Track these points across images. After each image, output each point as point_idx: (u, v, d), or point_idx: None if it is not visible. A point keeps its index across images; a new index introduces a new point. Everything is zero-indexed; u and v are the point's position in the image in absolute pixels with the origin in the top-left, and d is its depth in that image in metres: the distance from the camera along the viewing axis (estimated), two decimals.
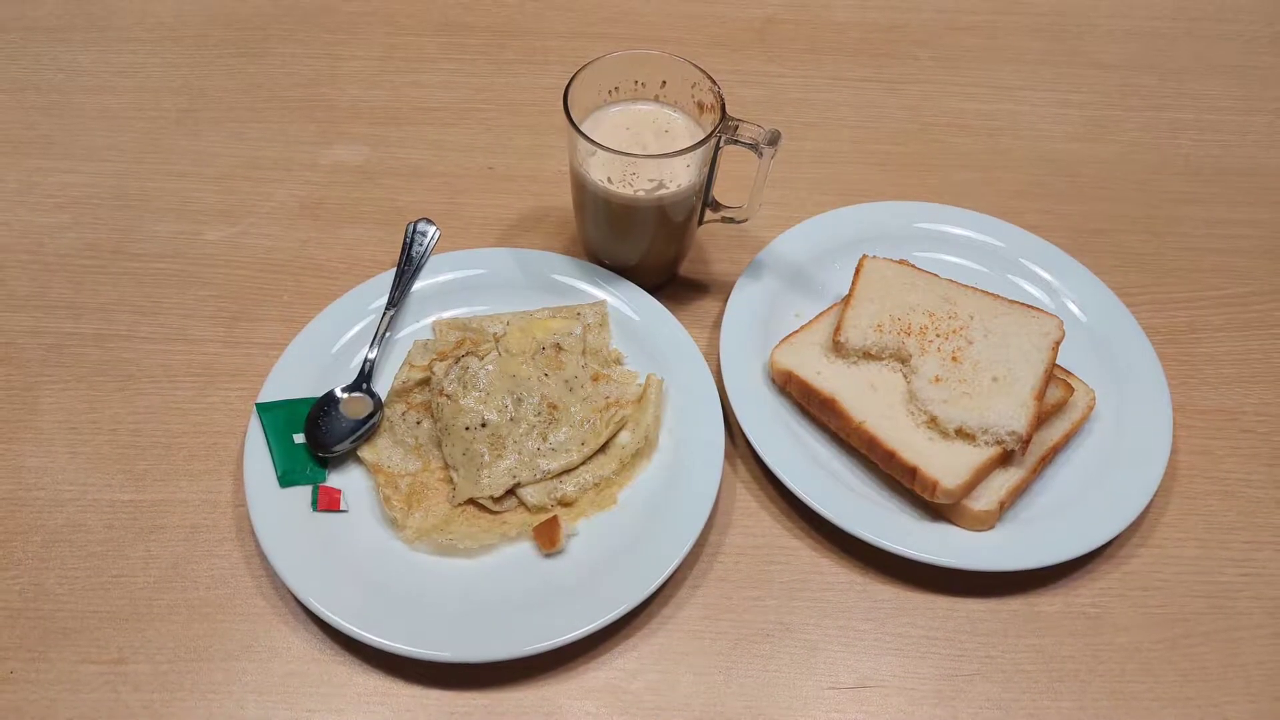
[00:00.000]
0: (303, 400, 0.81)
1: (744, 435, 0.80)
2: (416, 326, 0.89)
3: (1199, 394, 0.89)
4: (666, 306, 0.89)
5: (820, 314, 0.89)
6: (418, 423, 0.82)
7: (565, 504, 0.78)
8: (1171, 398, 0.84)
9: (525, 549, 0.76)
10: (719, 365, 0.84)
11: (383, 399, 0.82)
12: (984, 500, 0.76)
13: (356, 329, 0.87)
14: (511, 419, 0.79)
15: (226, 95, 1.12)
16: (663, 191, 0.82)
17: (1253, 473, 0.84)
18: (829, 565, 0.78)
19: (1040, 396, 0.78)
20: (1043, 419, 0.79)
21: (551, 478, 0.78)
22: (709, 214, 0.89)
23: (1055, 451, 0.81)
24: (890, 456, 0.77)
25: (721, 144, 0.81)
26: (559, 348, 0.83)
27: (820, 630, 0.74)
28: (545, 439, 0.79)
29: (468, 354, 0.82)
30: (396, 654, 0.69)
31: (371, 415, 0.81)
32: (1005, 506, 0.77)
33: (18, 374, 0.87)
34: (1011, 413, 0.77)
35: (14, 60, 1.14)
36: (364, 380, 0.83)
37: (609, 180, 0.82)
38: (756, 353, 0.86)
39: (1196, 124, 1.15)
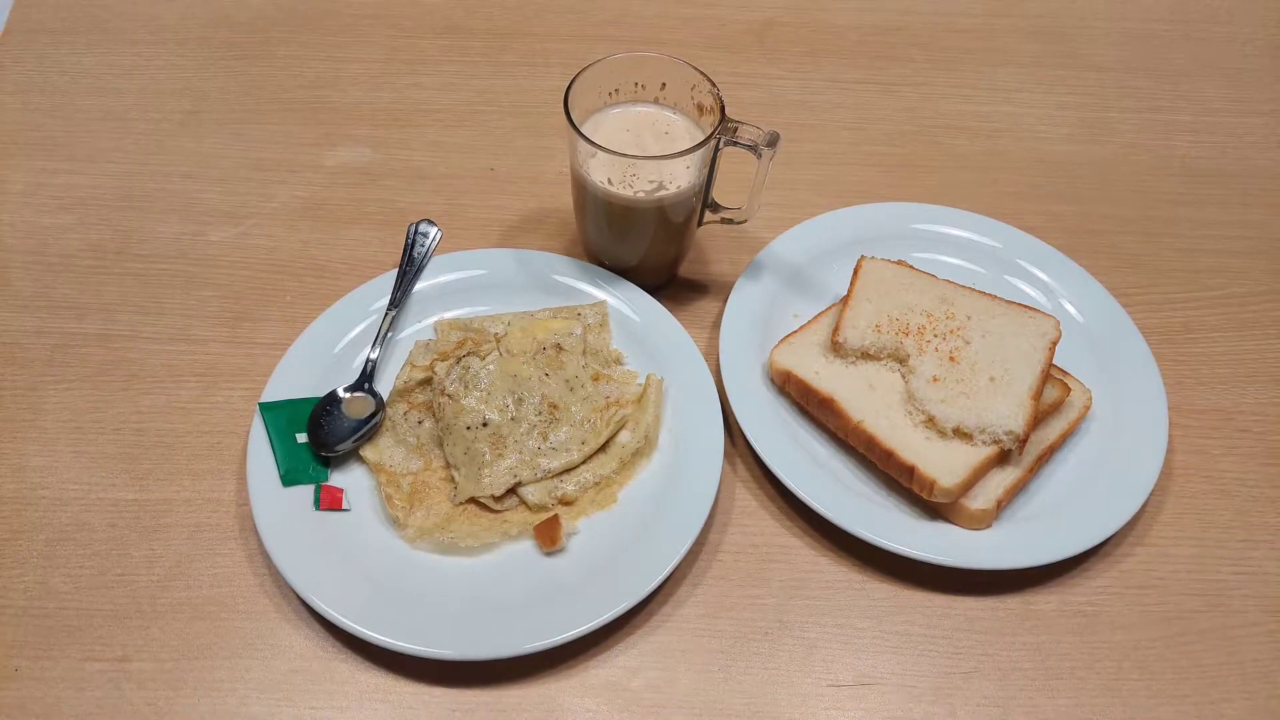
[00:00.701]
0: (305, 400, 0.81)
1: (743, 435, 0.81)
2: (418, 327, 0.90)
3: (1195, 394, 0.90)
4: (666, 307, 0.89)
5: (819, 314, 0.89)
6: (419, 422, 0.82)
7: (566, 503, 0.78)
8: (1168, 397, 0.84)
9: (526, 548, 0.76)
10: (718, 365, 0.85)
11: (385, 399, 0.83)
12: (981, 499, 0.77)
13: (359, 329, 0.87)
14: (512, 418, 0.80)
15: (229, 97, 1.12)
16: (662, 193, 0.82)
17: (1248, 472, 0.85)
18: (828, 564, 0.78)
19: (1037, 396, 0.78)
20: (1040, 419, 0.79)
21: (552, 477, 0.79)
22: (708, 215, 0.89)
23: (1052, 451, 0.81)
24: (888, 456, 0.77)
25: (721, 145, 0.82)
26: (560, 348, 0.84)
27: (819, 628, 0.75)
28: (546, 438, 0.80)
29: (469, 354, 0.82)
30: (398, 652, 0.69)
31: (373, 415, 0.81)
32: (1002, 505, 0.77)
33: (22, 374, 0.87)
34: (1009, 412, 0.77)
35: (18, 62, 1.15)
36: (366, 380, 0.83)
37: (609, 181, 0.82)
38: (756, 353, 0.87)
39: (1192, 126, 1.15)
